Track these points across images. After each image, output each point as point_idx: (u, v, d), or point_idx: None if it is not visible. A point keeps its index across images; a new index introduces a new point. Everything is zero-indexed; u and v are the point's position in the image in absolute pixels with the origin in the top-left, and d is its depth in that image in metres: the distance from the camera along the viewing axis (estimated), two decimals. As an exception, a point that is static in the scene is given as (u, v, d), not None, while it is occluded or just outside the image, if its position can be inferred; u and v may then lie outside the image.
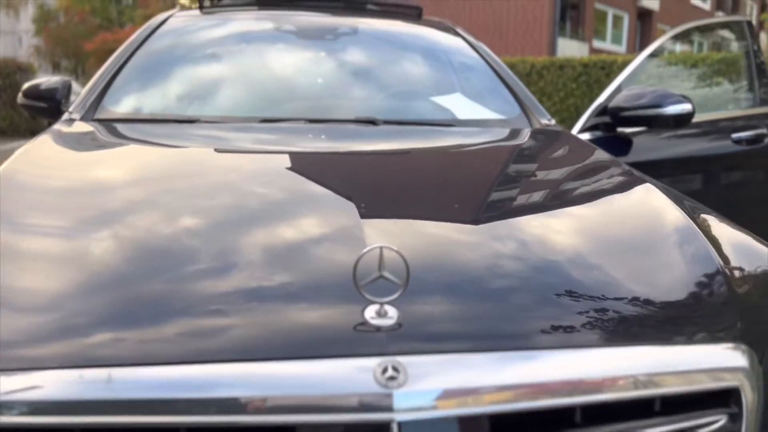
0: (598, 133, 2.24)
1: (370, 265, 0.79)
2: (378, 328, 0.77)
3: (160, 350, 0.75)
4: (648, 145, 2.39)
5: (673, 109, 2.13)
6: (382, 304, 0.79)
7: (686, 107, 2.12)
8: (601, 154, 1.67)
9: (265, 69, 2.11)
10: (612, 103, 2.22)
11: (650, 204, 1.30)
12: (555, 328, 0.84)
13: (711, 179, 2.45)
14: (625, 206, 1.32)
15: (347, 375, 0.74)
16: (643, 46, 20.40)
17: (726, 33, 2.99)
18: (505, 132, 1.90)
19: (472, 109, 2.08)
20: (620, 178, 1.50)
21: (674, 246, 1.12)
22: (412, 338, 0.78)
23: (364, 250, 0.79)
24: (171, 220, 1.05)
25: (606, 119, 2.22)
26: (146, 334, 0.78)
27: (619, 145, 2.32)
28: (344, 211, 1.07)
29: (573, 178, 1.49)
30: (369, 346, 0.76)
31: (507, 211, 1.22)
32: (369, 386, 0.72)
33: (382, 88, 2.13)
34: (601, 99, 2.29)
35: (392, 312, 0.79)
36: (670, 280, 1.00)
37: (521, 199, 1.30)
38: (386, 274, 0.79)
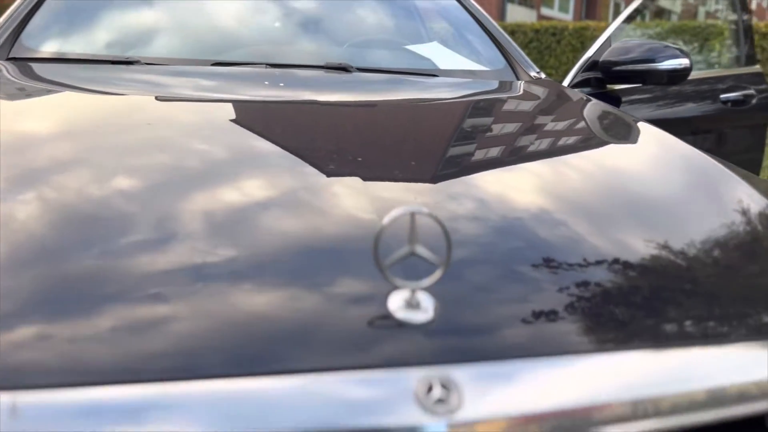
0: (588, 90, 2.05)
1: (393, 237, 0.56)
2: (412, 326, 0.55)
3: (88, 364, 0.51)
4: (635, 105, 2.23)
5: (668, 64, 1.96)
6: (414, 290, 0.56)
7: (683, 62, 1.95)
8: (602, 105, 1.50)
9: (218, 5, 1.82)
10: (603, 57, 2.03)
11: (679, 152, 1.13)
12: (637, 320, 0.63)
13: (699, 141, 2.32)
14: (654, 158, 1.15)
15: (371, 397, 0.50)
16: (589, 15, 20.54)
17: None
18: (494, 84, 1.70)
19: (454, 60, 1.88)
20: (633, 129, 1.34)
21: (724, 200, 0.96)
22: (463, 339, 0.55)
23: (391, 216, 0.56)
24: (102, 185, 0.78)
25: (596, 74, 2.03)
26: (66, 340, 0.53)
27: (608, 103, 2.14)
28: (340, 173, 0.85)
29: (582, 130, 1.32)
30: (403, 352, 0.53)
31: (524, 168, 1.02)
32: (407, 413, 0.49)
33: (354, 33, 1.88)
34: (589, 53, 2.10)
35: (427, 302, 0.57)
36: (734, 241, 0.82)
37: (535, 155, 1.09)
38: (420, 249, 0.56)
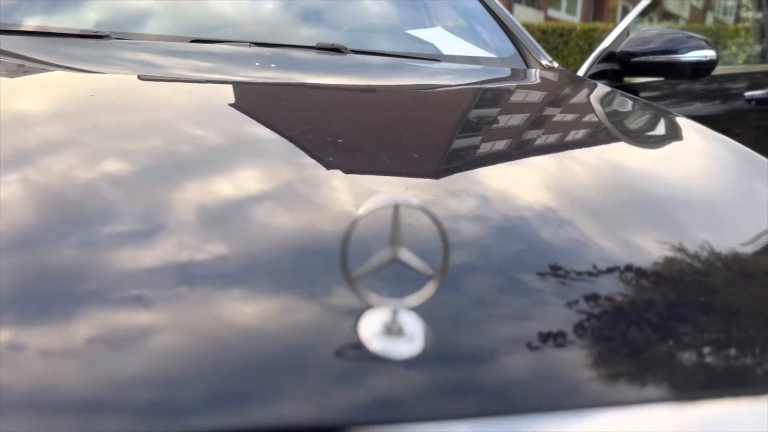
0: (603, 83, 1.90)
1: (370, 240, 0.41)
2: (392, 362, 0.40)
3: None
4: (652, 101, 2.08)
5: (691, 56, 1.80)
6: (395, 310, 0.41)
7: (708, 54, 1.79)
8: (624, 95, 1.36)
9: None
10: (621, 48, 1.87)
11: (721, 146, 1.01)
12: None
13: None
14: (689, 152, 1.04)
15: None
16: (596, 18, 20.37)
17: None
18: (502, 71, 1.56)
19: (459, 46, 1.73)
20: (662, 120, 1.22)
21: None
22: (464, 383, 0.40)
23: (366, 208, 0.40)
24: (78, 172, 0.66)
25: (613, 66, 1.88)
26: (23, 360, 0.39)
27: None
28: (318, 163, 0.72)
29: (601, 122, 1.17)
30: (378, 401, 0.38)
31: (537, 163, 0.87)
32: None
33: (349, 14, 1.74)
34: (606, 43, 1.95)
35: (413, 326, 0.41)
36: None
37: (549, 149, 0.95)
38: (405, 255, 0.41)
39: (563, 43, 10.41)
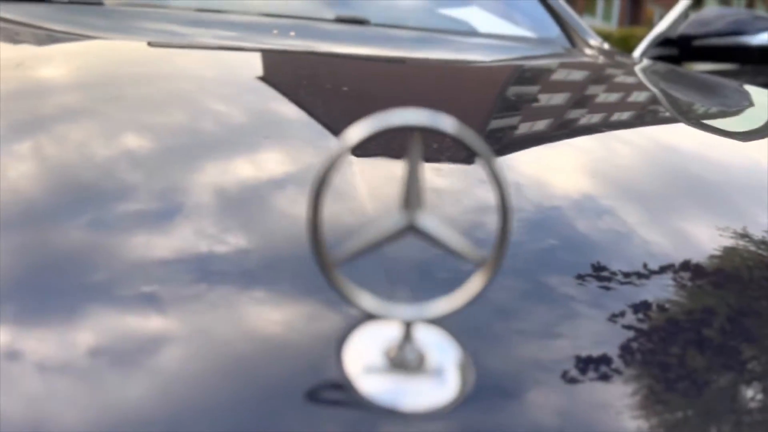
0: (659, 68, 1.71)
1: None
2: (404, 417, 0.21)
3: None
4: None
5: (761, 39, 1.59)
6: (409, 324, 0.22)
7: (780, 36, 1.58)
8: (689, 73, 1.20)
9: None
10: (680, 30, 1.67)
11: None
12: None
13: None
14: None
15: None
16: (633, 24, 20.01)
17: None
18: (543, 50, 1.40)
19: (496, 24, 1.57)
20: (730, 95, 1.09)
21: None
22: None
23: (357, 133, 0.22)
24: (85, 147, 0.58)
25: (670, 51, 1.68)
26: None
27: None
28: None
29: (662, 102, 1.02)
30: None
31: (592, 148, 0.75)
32: None
33: None
34: (661, 27, 1.75)
35: (440, 355, 0.23)
36: None
37: (601, 127, 0.84)
38: (429, 221, 0.22)
39: (599, 49, 10.18)
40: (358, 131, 0.23)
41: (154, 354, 0.31)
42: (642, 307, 0.39)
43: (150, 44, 0.99)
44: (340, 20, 1.27)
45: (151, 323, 0.34)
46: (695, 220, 0.55)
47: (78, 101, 0.70)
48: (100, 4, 1.21)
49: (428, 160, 0.24)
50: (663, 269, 0.44)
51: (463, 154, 0.29)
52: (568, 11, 1.67)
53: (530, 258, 0.40)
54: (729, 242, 0.50)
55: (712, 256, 0.48)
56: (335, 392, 0.22)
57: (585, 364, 0.31)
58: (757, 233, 0.52)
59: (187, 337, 0.32)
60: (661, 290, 0.42)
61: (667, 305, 0.41)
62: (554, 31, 1.57)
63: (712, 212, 0.58)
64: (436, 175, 0.33)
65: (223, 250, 0.39)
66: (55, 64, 0.85)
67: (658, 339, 0.37)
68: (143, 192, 0.49)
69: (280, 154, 0.60)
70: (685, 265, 0.45)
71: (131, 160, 0.54)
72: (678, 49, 1.70)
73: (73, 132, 0.60)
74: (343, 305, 0.23)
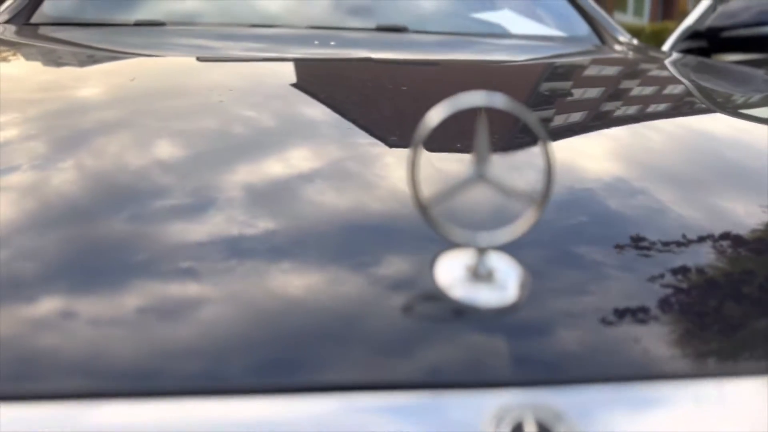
0: (689, 61, 1.75)
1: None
2: (480, 312, 0.30)
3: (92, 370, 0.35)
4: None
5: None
6: (483, 250, 0.31)
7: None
8: (715, 63, 1.23)
9: None
10: (709, 23, 1.72)
11: None
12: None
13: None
14: None
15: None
16: (666, 19, 19.64)
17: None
18: (574, 48, 1.45)
19: (528, 25, 1.64)
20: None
21: None
22: (570, 342, 0.30)
23: (441, 110, 0.31)
24: (140, 150, 0.65)
25: (699, 44, 1.72)
26: (78, 328, 0.37)
27: None
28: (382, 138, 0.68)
29: (692, 91, 1.06)
30: (463, 361, 0.29)
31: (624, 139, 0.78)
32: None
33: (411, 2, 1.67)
34: (689, 20, 1.79)
35: (505, 270, 0.31)
36: None
37: (636, 119, 0.87)
38: (496, 173, 0.31)
39: (631, 45, 10.07)
40: (438, 112, 0.32)
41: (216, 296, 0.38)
42: (676, 265, 0.44)
43: (198, 59, 1.08)
44: (381, 29, 1.36)
45: (210, 280, 0.40)
46: (729, 199, 0.58)
47: (129, 111, 0.77)
48: (162, 24, 1.32)
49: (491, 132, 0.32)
50: (696, 239, 0.48)
51: (515, 128, 0.36)
52: (597, 9, 1.73)
53: (565, 222, 0.47)
54: (763, 219, 0.54)
55: (745, 229, 0.52)
56: (431, 296, 0.31)
57: (619, 300, 0.38)
58: None
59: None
60: (693, 256, 0.46)
61: (699, 266, 0.45)
62: (584, 29, 1.63)
63: (747, 192, 0.60)
64: (495, 143, 0.41)
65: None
66: (125, 79, 0.95)
67: (691, 290, 0.42)
68: (225, 186, 0.55)
69: (313, 151, 0.65)
70: (718, 236, 0.49)
71: (201, 161, 0.61)
72: (707, 42, 1.74)
73: (138, 136, 0.68)
74: (436, 238, 0.32)
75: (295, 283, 0.39)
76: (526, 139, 0.34)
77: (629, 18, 19.18)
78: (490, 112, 0.32)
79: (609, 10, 18.87)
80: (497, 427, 0.25)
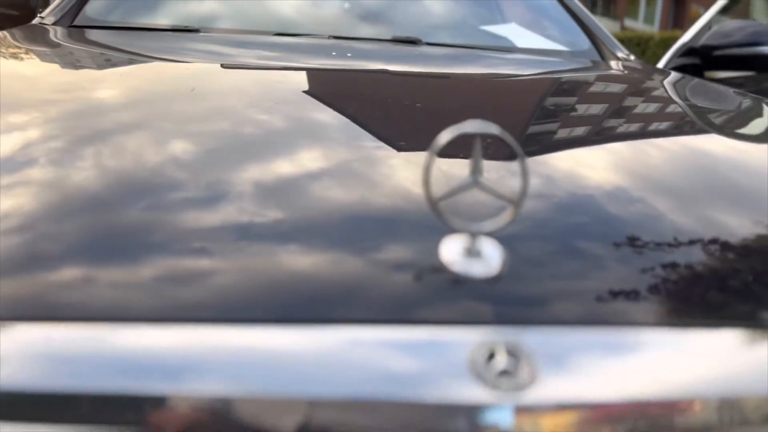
0: (684, 77, 1.85)
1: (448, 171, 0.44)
2: (471, 279, 0.42)
3: (121, 301, 0.44)
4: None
5: (777, 49, 1.73)
6: (474, 234, 0.43)
7: (795, 46, 1.72)
8: (711, 85, 1.32)
9: None
10: (702, 41, 1.82)
11: None
12: None
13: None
14: None
15: (416, 362, 0.38)
16: (677, 26, 19.64)
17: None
18: (576, 63, 1.55)
19: (533, 40, 1.74)
20: (755, 107, 1.17)
21: None
22: (537, 298, 0.42)
23: (448, 135, 0.43)
24: (160, 148, 0.73)
25: (694, 60, 1.83)
26: (105, 281, 0.46)
27: None
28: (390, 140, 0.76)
29: (683, 113, 1.13)
30: (457, 309, 0.41)
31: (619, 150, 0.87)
32: (458, 387, 0.37)
33: (424, 13, 1.78)
34: (685, 37, 1.90)
35: (491, 250, 0.43)
36: None
37: (633, 135, 0.94)
38: (485, 181, 0.43)
39: (641, 53, 10.13)
40: (444, 136, 0.43)
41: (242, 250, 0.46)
42: (652, 228, 0.53)
43: (222, 66, 1.17)
44: (396, 41, 1.47)
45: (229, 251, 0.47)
46: (721, 210, 0.63)
47: (156, 113, 0.85)
48: (197, 31, 1.43)
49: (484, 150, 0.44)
50: (686, 242, 0.54)
51: (504, 148, 0.46)
52: (598, 25, 1.83)
53: (555, 221, 0.57)
54: (753, 230, 0.59)
55: (733, 236, 0.57)
56: (437, 268, 0.43)
57: (594, 269, 0.46)
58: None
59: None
60: (683, 254, 0.52)
61: (673, 233, 0.53)
62: (585, 43, 1.73)
63: (739, 206, 0.64)
64: (485, 159, 0.51)
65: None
66: (145, 81, 1.03)
67: (663, 247, 0.50)
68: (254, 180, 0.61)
69: (324, 152, 0.72)
70: (708, 240, 0.55)
71: (198, 155, 0.68)
72: (701, 59, 1.84)
73: (170, 136, 0.75)
74: (436, 226, 0.44)
75: (316, 250, 0.47)
76: (512, 155, 0.43)
77: (640, 25, 19.19)
78: (486, 135, 0.44)
79: (620, 17, 18.92)
80: (478, 353, 0.37)
